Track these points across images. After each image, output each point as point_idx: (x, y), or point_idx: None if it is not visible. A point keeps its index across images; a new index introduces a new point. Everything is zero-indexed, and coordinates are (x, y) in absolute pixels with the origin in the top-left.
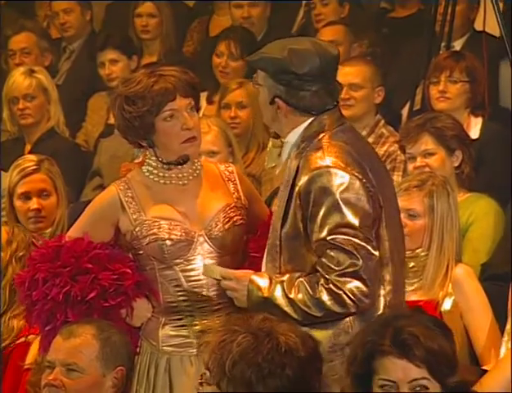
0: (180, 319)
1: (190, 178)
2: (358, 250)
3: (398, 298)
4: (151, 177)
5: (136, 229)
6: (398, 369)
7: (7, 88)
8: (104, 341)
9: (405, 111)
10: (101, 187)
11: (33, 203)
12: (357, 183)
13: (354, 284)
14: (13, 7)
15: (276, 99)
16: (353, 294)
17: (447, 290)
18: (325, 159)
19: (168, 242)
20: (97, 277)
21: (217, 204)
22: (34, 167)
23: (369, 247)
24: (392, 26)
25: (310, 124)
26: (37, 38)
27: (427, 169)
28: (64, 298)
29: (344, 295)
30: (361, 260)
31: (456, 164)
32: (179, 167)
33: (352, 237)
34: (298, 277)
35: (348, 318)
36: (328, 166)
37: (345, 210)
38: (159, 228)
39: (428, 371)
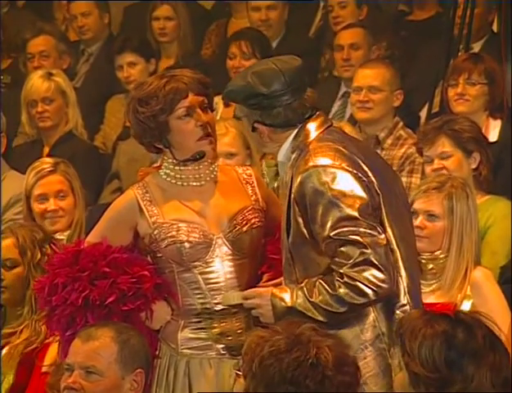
0: (199, 322)
1: (208, 178)
2: (364, 239)
3: (415, 286)
4: (168, 179)
5: (155, 232)
6: None
7: (26, 91)
8: (122, 344)
9: (423, 113)
10: (120, 190)
11: (50, 204)
12: (347, 175)
13: (368, 272)
14: (31, 10)
15: (255, 124)
16: (370, 281)
17: (466, 292)
18: (311, 160)
19: (187, 245)
20: (116, 281)
21: (235, 206)
22: (50, 169)
23: (374, 233)
24: (410, 29)
25: (295, 135)
26: (55, 41)
27: (444, 171)
28: (83, 302)
29: (361, 285)
30: (369, 248)
31: (474, 167)
32: (196, 167)
33: (355, 227)
34: (316, 280)
35: (372, 313)
36: (315, 166)
37: (341, 203)
38: (178, 230)
39: None
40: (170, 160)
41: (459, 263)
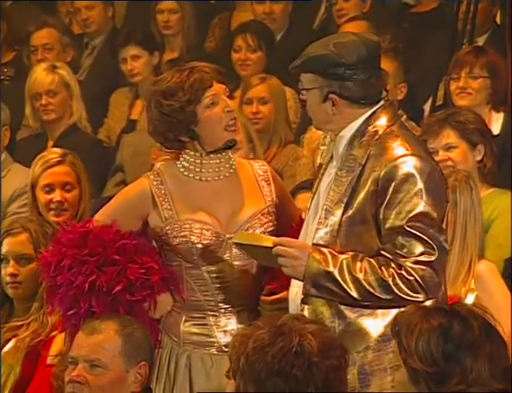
0: (203, 318)
1: (227, 174)
2: (434, 241)
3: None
4: (186, 173)
5: (167, 228)
6: None
7: (30, 84)
8: (126, 337)
9: (427, 107)
10: (123, 183)
11: (56, 195)
12: (438, 173)
13: (428, 274)
14: (35, 3)
15: (331, 95)
16: (425, 282)
17: (470, 285)
18: (406, 147)
19: (199, 246)
20: (124, 270)
21: (249, 209)
22: (58, 159)
23: (442, 239)
24: (413, 21)
25: (371, 114)
26: (59, 34)
27: (449, 163)
28: (89, 287)
29: (416, 283)
30: (436, 251)
31: (479, 159)
32: (217, 161)
33: (430, 226)
34: (363, 257)
35: (395, 309)
36: (413, 154)
37: (427, 198)
38: (191, 230)
39: None
40: (192, 153)
41: (462, 256)
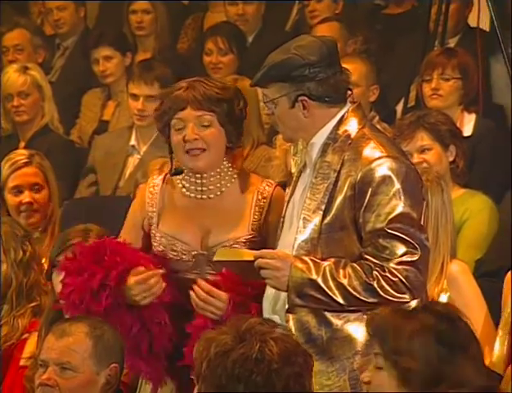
0: None
1: (211, 195)
2: (415, 240)
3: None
4: (178, 182)
5: (151, 235)
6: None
7: (1, 85)
8: (97, 339)
9: (399, 108)
10: (95, 184)
11: (25, 196)
12: (413, 173)
13: (412, 273)
14: (7, 4)
15: (300, 97)
16: (410, 282)
17: (443, 286)
18: (381, 149)
19: (172, 258)
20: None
21: (227, 232)
22: (26, 160)
23: (423, 237)
24: (386, 23)
25: (341, 118)
26: (30, 35)
27: (425, 165)
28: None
29: (401, 283)
30: (419, 250)
31: (451, 159)
32: (198, 181)
33: (411, 226)
34: (345, 262)
35: None
36: (388, 156)
37: (405, 199)
38: (165, 246)
39: None
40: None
41: (434, 257)
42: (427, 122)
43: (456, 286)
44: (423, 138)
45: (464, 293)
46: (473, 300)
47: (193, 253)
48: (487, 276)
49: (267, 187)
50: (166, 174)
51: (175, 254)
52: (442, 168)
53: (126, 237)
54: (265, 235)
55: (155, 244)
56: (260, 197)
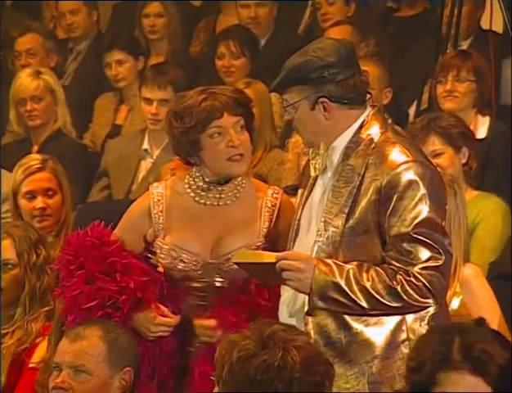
0: None
1: (228, 202)
2: (439, 245)
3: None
4: (189, 191)
5: (156, 246)
6: (468, 385)
7: (14, 90)
8: (111, 343)
9: (412, 111)
10: (108, 188)
11: (39, 202)
12: (438, 177)
13: (436, 278)
14: (19, 8)
15: (320, 99)
16: (434, 287)
17: (455, 289)
18: (407, 153)
19: (181, 271)
20: (103, 287)
21: (238, 241)
22: (39, 165)
23: (446, 243)
24: (398, 25)
25: (361, 124)
26: (43, 39)
27: (438, 169)
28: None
29: (425, 288)
30: (443, 255)
31: (464, 161)
32: (219, 188)
33: (435, 231)
34: (368, 266)
35: (404, 318)
36: (414, 160)
37: (430, 204)
38: (175, 258)
39: (493, 388)
40: (198, 174)
41: None
42: (438, 126)
43: (469, 289)
44: (434, 143)
45: (477, 296)
46: (486, 303)
47: (202, 262)
48: (500, 278)
49: (274, 194)
50: (166, 181)
51: (184, 265)
52: (455, 171)
53: (124, 237)
54: (274, 242)
55: (163, 256)
56: (270, 205)
